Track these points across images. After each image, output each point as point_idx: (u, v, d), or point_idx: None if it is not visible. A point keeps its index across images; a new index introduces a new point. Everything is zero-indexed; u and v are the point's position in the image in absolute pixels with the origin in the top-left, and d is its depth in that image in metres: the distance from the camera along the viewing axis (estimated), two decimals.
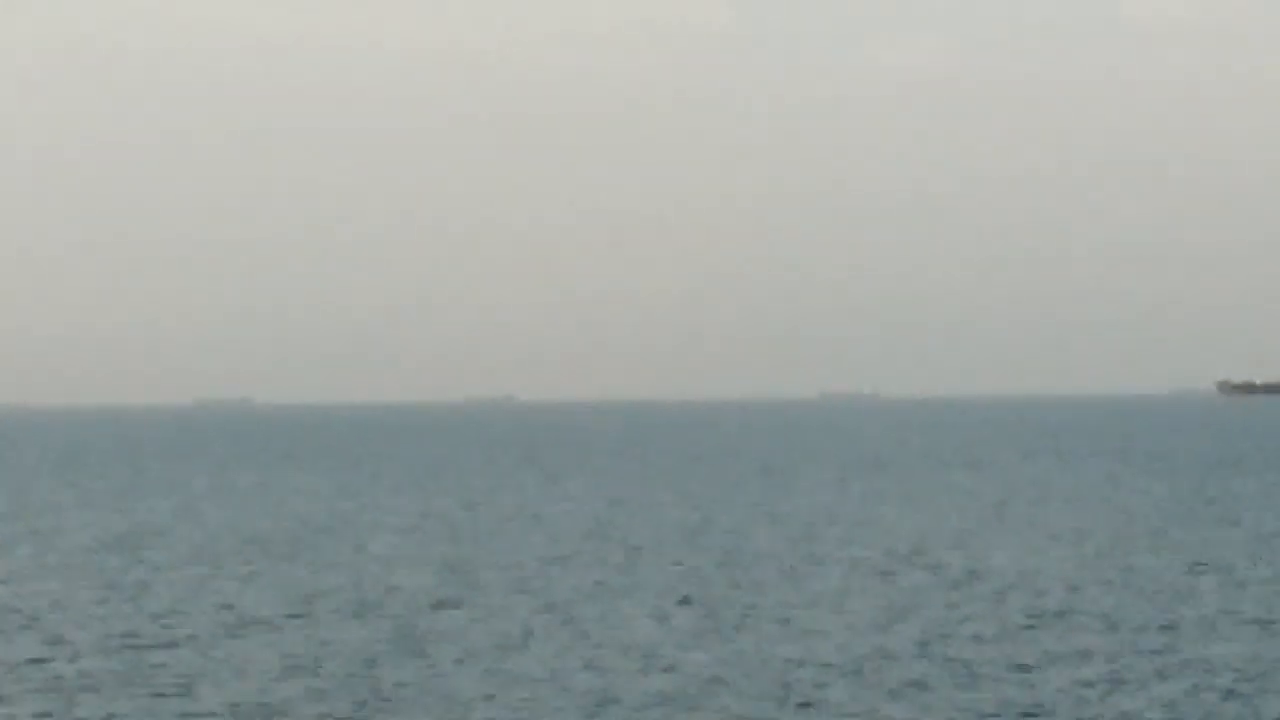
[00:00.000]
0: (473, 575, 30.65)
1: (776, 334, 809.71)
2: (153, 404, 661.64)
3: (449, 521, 46.43)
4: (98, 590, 28.35)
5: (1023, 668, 17.87)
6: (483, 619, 23.61)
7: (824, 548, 36.55)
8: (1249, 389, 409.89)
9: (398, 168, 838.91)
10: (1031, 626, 21.79)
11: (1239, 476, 66.80)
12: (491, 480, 72.58)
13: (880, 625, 22.32)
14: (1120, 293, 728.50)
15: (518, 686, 16.81)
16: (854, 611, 24.12)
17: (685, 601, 25.57)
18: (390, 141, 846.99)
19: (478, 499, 58.21)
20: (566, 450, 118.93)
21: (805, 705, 15.38)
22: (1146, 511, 47.18)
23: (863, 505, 52.45)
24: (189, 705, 15.50)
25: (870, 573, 30.40)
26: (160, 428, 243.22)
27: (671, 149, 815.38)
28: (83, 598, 27.04)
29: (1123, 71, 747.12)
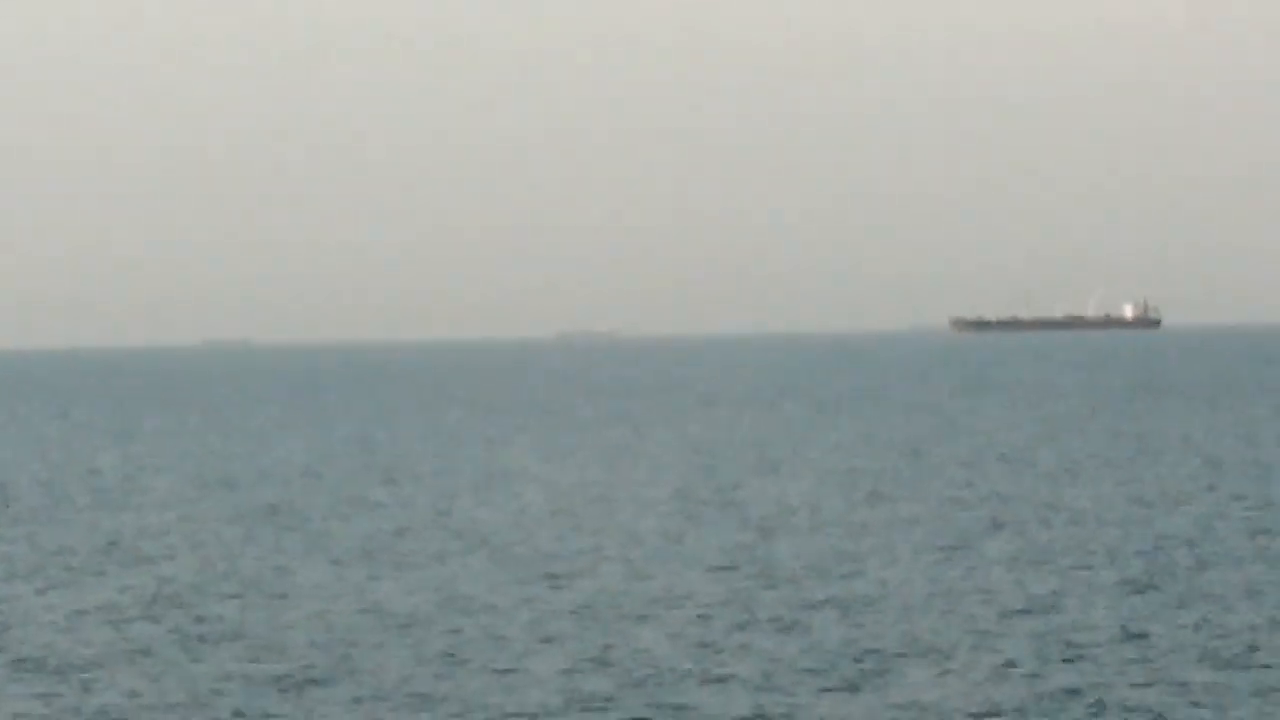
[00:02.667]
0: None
1: (510, 273, 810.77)
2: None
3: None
4: None
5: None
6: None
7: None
8: (981, 325, 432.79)
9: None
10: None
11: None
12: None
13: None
14: (857, 234, 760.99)
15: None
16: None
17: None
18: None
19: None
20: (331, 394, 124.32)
21: None
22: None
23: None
24: None
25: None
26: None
27: (396, 101, 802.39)
28: None
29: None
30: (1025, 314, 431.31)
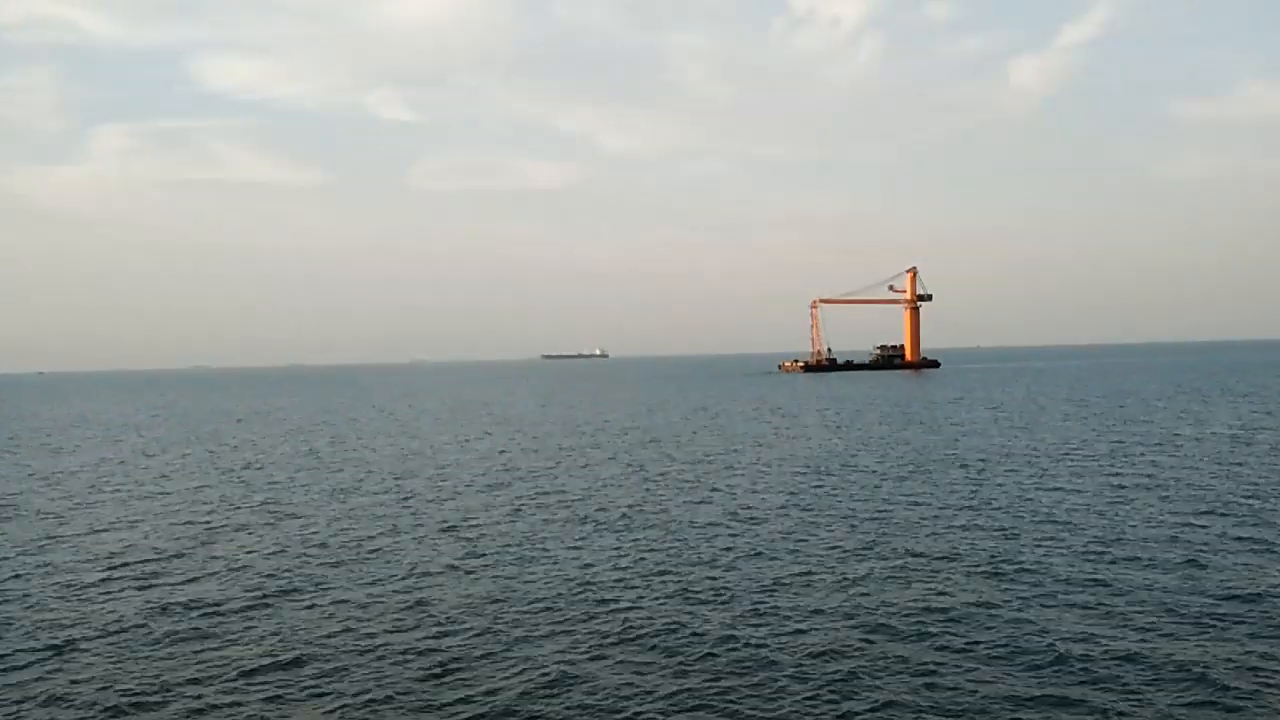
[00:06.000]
0: None
1: None
2: None
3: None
4: None
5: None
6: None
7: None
8: (557, 357, 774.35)
9: None
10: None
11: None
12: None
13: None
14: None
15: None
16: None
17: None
18: None
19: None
20: None
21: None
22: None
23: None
24: None
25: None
26: None
27: None
28: None
29: None
30: (553, 352, 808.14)
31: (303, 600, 24.98)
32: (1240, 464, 47.50)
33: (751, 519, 35.33)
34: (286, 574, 28.10)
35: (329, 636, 21.52)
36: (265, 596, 25.40)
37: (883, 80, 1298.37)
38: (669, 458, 57.62)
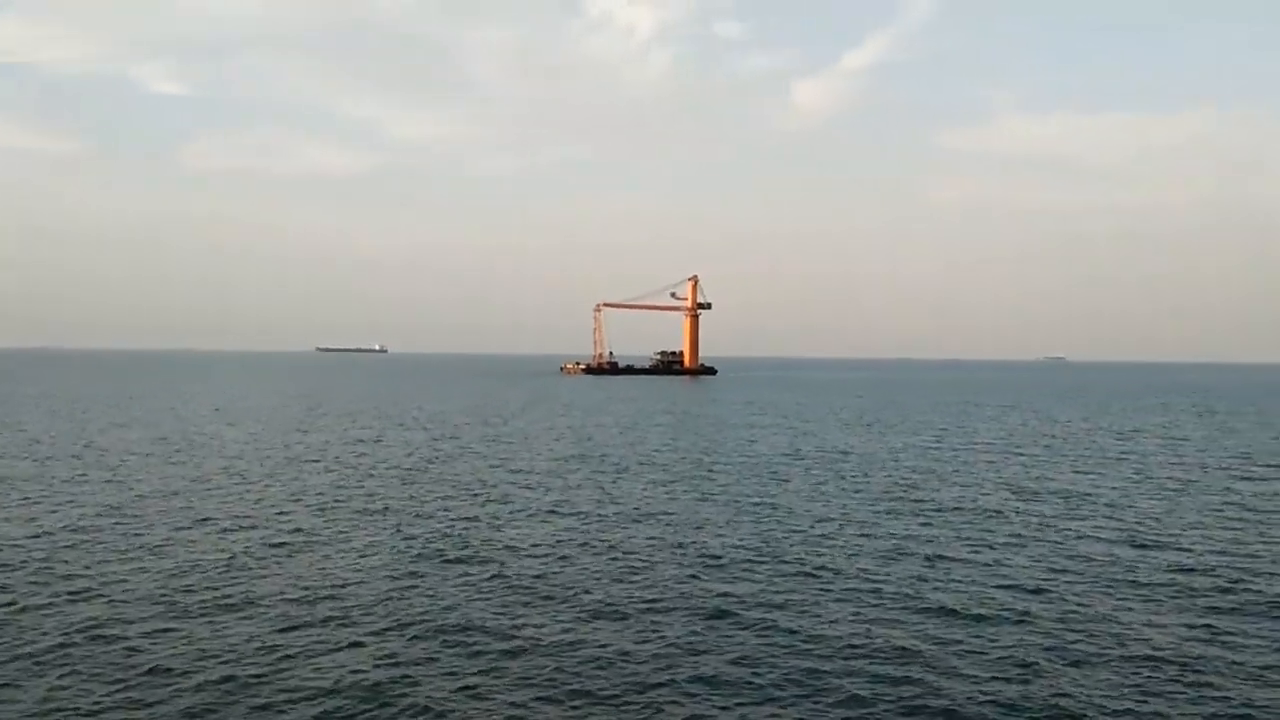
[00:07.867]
0: None
1: None
2: None
3: None
4: None
5: None
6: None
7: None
8: (335, 350, 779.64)
9: None
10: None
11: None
12: None
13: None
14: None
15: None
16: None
17: None
18: None
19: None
20: None
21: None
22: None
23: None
24: None
25: None
26: None
27: None
28: None
29: None
30: (329, 344, 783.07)
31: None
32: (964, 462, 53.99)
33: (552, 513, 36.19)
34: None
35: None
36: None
37: (676, 90, 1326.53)
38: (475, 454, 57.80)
